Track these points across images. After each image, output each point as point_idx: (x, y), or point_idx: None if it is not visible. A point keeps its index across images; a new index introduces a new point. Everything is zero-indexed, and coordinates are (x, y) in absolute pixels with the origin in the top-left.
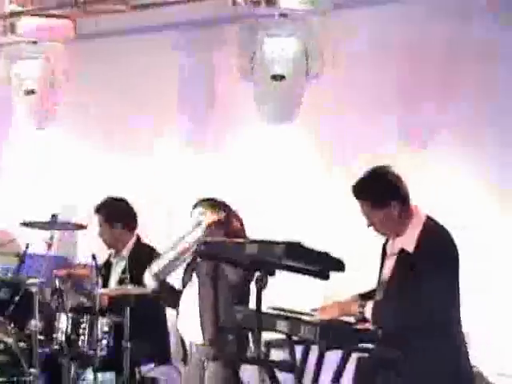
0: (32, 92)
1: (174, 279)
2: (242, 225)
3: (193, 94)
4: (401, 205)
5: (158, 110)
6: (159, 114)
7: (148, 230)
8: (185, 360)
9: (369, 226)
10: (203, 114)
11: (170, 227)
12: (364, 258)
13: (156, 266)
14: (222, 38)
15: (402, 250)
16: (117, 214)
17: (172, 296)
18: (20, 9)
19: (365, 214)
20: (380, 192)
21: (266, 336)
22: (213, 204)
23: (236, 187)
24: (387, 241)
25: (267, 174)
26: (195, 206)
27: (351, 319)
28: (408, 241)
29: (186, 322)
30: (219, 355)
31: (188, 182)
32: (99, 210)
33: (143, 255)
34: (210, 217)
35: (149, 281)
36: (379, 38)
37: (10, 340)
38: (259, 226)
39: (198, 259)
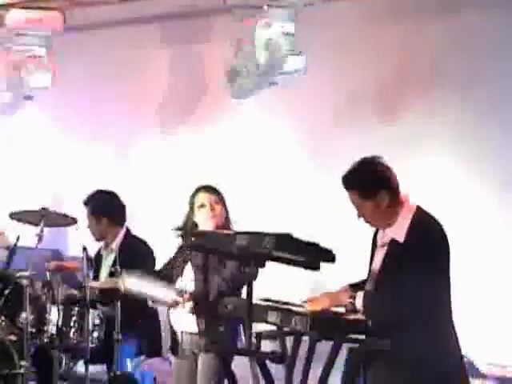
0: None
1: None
2: (227, 217)
3: (181, 85)
4: (390, 195)
5: (146, 100)
6: (147, 104)
7: (138, 222)
8: (176, 352)
9: (359, 216)
10: (191, 104)
11: (161, 217)
12: (354, 248)
13: (132, 283)
14: (212, 29)
15: (393, 240)
16: (103, 207)
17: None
18: (9, 1)
19: (354, 205)
20: (368, 182)
21: (257, 327)
22: (214, 189)
23: (225, 178)
24: (377, 231)
25: (256, 164)
26: (196, 192)
27: (342, 310)
28: (398, 231)
29: (179, 314)
30: (211, 347)
31: (176, 172)
32: (87, 202)
33: (133, 248)
34: (198, 212)
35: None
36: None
37: (0, 333)
38: (247, 218)
39: (189, 251)
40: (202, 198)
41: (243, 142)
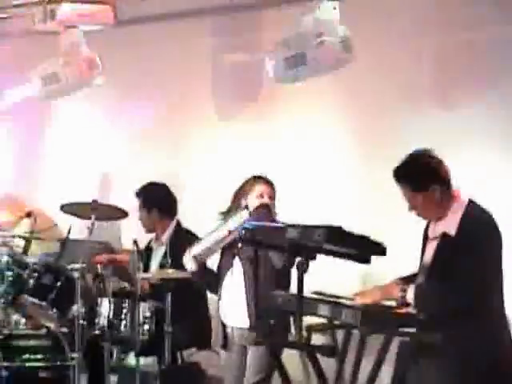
0: None
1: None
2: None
3: (229, 79)
4: (441, 188)
5: (197, 92)
6: (198, 96)
7: (189, 215)
8: (225, 345)
9: (410, 209)
10: (241, 98)
11: (213, 210)
12: (405, 241)
13: (196, 248)
14: (258, 22)
15: (444, 234)
16: (155, 199)
17: (212, 279)
18: None
19: (406, 197)
20: (420, 175)
21: (308, 320)
22: (271, 182)
23: (278, 168)
24: (429, 224)
25: (306, 156)
26: (255, 181)
27: (392, 303)
28: (450, 224)
29: (228, 307)
30: (261, 340)
31: (226, 164)
32: (139, 194)
33: (183, 240)
34: (255, 200)
35: (188, 263)
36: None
37: (52, 325)
38: (297, 210)
39: (240, 244)
40: (261, 189)
41: (296, 131)
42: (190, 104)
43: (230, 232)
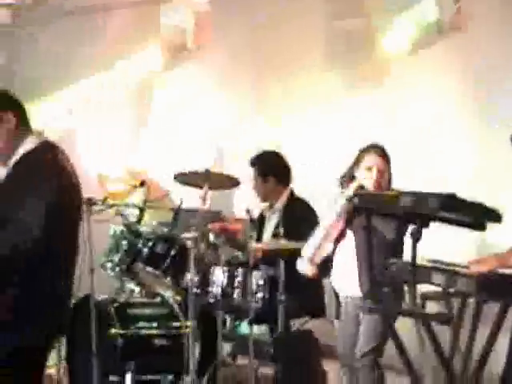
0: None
1: None
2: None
3: (342, 46)
4: None
5: (307, 54)
6: (309, 66)
7: (301, 184)
8: (338, 313)
9: None
10: (354, 65)
11: (325, 179)
12: None
13: (308, 250)
14: None
15: None
16: (271, 167)
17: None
18: None
19: None
20: None
21: (422, 288)
22: (383, 152)
23: (388, 138)
24: None
25: (421, 122)
26: (366, 152)
27: (510, 272)
28: None
29: (341, 276)
30: (375, 308)
31: (337, 134)
32: (253, 163)
33: (297, 209)
34: (363, 173)
35: (304, 267)
36: None
37: (167, 293)
38: (412, 178)
39: (353, 211)
40: (370, 160)
41: (410, 98)
42: (303, 73)
43: (337, 218)
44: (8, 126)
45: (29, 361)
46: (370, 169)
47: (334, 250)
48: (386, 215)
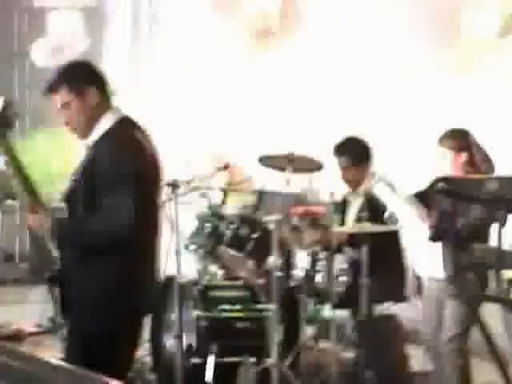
0: None
1: None
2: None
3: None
4: None
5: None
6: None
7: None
8: (421, 298)
9: None
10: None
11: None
12: None
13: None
14: None
15: None
16: (361, 154)
17: None
18: None
19: None
20: None
21: (508, 274)
22: (458, 135)
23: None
24: None
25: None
26: (441, 138)
27: None
28: None
29: (424, 260)
30: (459, 293)
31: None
32: (342, 149)
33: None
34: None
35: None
36: None
37: (249, 276)
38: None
39: (437, 196)
40: (447, 145)
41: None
42: (387, 57)
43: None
44: (91, 101)
45: (119, 341)
46: (444, 154)
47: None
48: (471, 199)
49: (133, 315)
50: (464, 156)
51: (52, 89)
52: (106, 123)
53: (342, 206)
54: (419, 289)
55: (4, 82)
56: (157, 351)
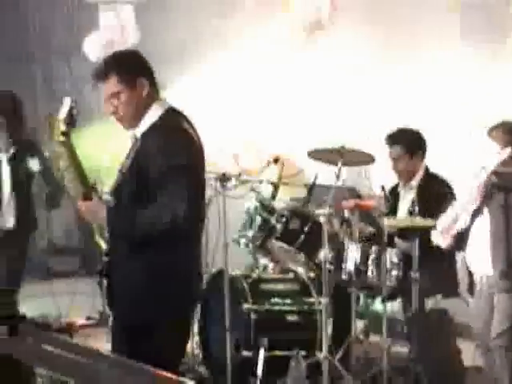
0: None
1: None
2: None
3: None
4: None
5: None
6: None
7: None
8: (471, 292)
9: None
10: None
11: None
12: None
13: (444, 221)
14: None
15: None
16: (414, 143)
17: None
18: None
19: None
20: None
21: None
22: (506, 128)
23: None
24: None
25: None
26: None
27: None
28: None
29: (476, 254)
30: (510, 287)
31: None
32: (394, 138)
33: (433, 187)
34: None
35: (438, 238)
36: None
37: (300, 269)
38: None
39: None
40: (497, 138)
41: None
42: (436, 49)
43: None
44: (140, 92)
45: (170, 333)
46: (500, 147)
47: (470, 225)
48: None
49: (183, 307)
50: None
51: (101, 77)
52: (153, 114)
53: (393, 199)
54: (471, 285)
55: (58, 76)
56: (206, 344)
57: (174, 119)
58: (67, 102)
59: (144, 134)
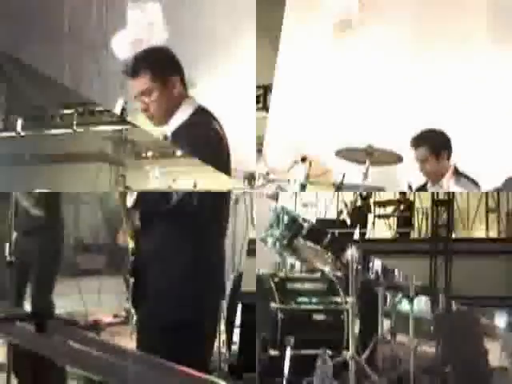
0: None
1: None
2: None
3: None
4: None
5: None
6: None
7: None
8: None
9: None
10: None
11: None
12: None
13: None
14: None
15: None
16: (440, 144)
17: None
18: None
19: None
20: None
21: None
22: None
23: None
24: None
25: None
26: None
27: None
28: None
29: None
30: None
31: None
32: (420, 140)
33: (463, 187)
34: None
35: None
36: None
37: (327, 268)
38: None
39: None
40: None
41: None
42: (465, 51)
43: None
44: (172, 90)
45: (198, 331)
46: None
47: None
48: None
49: (212, 306)
50: None
51: (132, 74)
52: (184, 113)
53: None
54: None
55: (87, 73)
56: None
57: (203, 118)
58: (120, 103)
59: (174, 133)
